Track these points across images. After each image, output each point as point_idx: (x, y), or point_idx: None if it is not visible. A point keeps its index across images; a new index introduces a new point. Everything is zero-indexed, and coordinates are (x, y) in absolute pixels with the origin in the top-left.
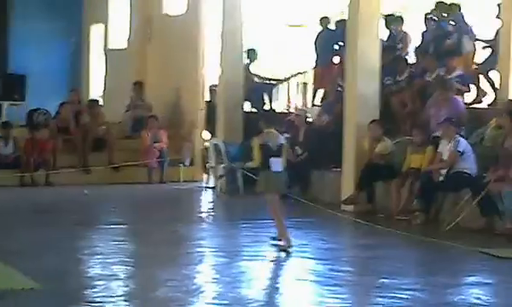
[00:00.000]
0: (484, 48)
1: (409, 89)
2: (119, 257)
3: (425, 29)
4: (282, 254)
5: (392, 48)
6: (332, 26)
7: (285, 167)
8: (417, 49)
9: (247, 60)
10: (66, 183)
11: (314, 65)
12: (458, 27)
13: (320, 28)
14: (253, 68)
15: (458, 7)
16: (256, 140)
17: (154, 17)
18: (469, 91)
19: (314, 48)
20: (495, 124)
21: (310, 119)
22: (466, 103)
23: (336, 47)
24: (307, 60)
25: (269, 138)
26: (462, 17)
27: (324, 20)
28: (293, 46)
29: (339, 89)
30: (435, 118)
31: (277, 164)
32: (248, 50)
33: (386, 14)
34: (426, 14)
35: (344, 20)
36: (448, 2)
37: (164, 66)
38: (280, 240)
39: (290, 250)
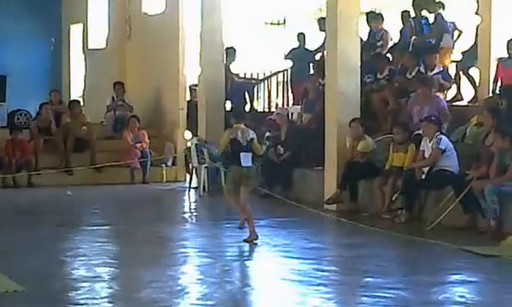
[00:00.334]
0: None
1: (389, 86)
2: (102, 259)
3: (402, 26)
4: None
5: (373, 45)
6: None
7: (255, 161)
8: (395, 47)
9: (227, 59)
10: (49, 184)
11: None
12: (438, 24)
13: (296, 44)
14: (233, 67)
15: (442, 4)
16: (227, 133)
17: (133, 16)
18: (450, 87)
19: (289, 61)
20: (476, 121)
21: (291, 118)
22: (447, 101)
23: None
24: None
25: (238, 133)
26: (442, 15)
27: (301, 36)
28: (272, 44)
29: (320, 87)
30: (417, 115)
31: (247, 158)
32: (227, 49)
33: (367, 11)
34: (402, 12)
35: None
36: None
37: (144, 65)
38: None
39: (256, 242)
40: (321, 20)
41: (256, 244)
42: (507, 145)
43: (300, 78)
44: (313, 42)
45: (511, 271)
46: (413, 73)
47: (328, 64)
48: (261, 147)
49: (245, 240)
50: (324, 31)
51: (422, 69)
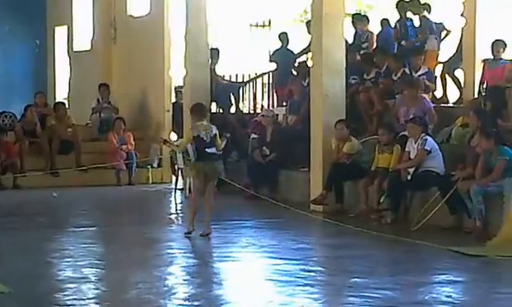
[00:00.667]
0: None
1: (375, 88)
2: (89, 260)
3: (380, 29)
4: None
5: (358, 47)
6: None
7: (220, 156)
8: (376, 50)
9: (211, 61)
10: (34, 186)
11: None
12: (423, 26)
13: (279, 44)
14: (218, 69)
15: (427, 6)
16: (189, 131)
17: (117, 18)
18: (436, 89)
19: (272, 63)
20: (461, 122)
21: (277, 119)
22: (433, 102)
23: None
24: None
25: (201, 130)
26: (427, 17)
27: (283, 36)
28: (257, 46)
29: (305, 88)
30: (404, 117)
31: (213, 154)
32: (211, 50)
33: (352, 13)
34: (382, 20)
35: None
36: (420, 1)
37: (129, 67)
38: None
39: (210, 236)
40: (309, 23)
41: (210, 238)
42: (492, 146)
43: (284, 80)
44: (298, 44)
45: (497, 271)
46: (398, 75)
47: (314, 65)
48: (221, 141)
49: (201, 235)
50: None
51: (407, 71)
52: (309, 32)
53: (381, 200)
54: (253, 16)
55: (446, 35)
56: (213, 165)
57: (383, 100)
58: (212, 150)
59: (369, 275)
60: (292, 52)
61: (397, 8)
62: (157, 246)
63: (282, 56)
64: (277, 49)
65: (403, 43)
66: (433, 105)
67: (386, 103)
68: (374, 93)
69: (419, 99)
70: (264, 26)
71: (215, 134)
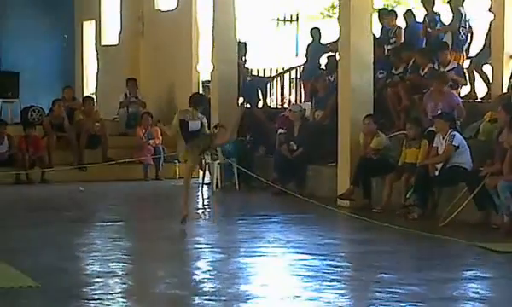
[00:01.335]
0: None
1: (403, 83)
2: (116, 254)
3: (406, 24)
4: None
5: (385, 42)
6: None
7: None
8: (402, 46)
9: (238, 55)
10: (62, 181)
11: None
12: (455, 20)
13: (309, 39)
14: (246, 64)
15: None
16: (176, 115)
17: (145, 12)
18: (466, 84)
19: (305, 59)
20: (489, 117)
21: (304, 114)
22: (461, 97)
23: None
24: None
25: (187, 115)
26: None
27: (314, 31)
28: (284, 41)
29: (332, 83)
30: (431, 112)
31: (195, 125)
32: (239, 44)
33: (380, 8)
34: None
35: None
36: None
37: (157, 61)
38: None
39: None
40: None
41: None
42: None
43: (314, 75)
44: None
45: None
46: (425, 70)
47: (341, 60)
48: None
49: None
50: None
51: (436, 66)
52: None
53: (409, 196)
54: (281, 11)
55: (471, 36)
56: (200, 138)
57: (410, 95)
58: (196, 127)
59: (395, 271)
60: (323, 44)
61: (422, 2)
62: (184, 240)
63: (313, 51)
64: (309, 44)
65: (430, 36)
66: (461, 100)
67: (414, 99)
68: (401, 88)
69: (447, 94)
70: (291, 20)
71: (201, 122)
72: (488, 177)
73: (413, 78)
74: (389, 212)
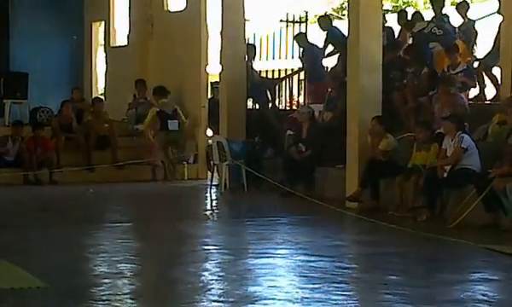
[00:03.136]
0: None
1: (409, 85)
2: (124, 255)
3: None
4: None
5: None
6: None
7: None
8: (410, 48)
9: (247, 57)
10: (70, 182)
11: (305, 79)
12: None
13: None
14: (254, 65)
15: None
16: (152, 110)
17: (154, 13)
18: (475, 86)
19: (301, 63)
20: (498, 119)
21: (313, 116)
22: (469, 99)
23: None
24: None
25: (163, 106)
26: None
27: (300, 38)
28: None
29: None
30: (439, 114)
31: (174, 124)
32: (247, 46)
33: (398, 10)
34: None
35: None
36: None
37: (166, 63)
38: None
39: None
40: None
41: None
42: None
43: (318, 74)
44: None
45: None
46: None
47: (350, 61)
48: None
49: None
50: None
51: (446, 68)
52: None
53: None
54: (290, 12)
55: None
56: (173, 133)
57: (416, 97)
58: (173, 121)
59: (403, 273)
60: (317, 47)
61: (431, 4)
62: (192, 241)
63: (311, 56)
64: (303, 52)
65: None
66: (468, 102)
67: (420, 101)
68: (407, 90)
69: (454, 97)
70: (300, 22)
71: (175, 108)
72: (497, 179)
73: (420, 80)
74: (398, 214)
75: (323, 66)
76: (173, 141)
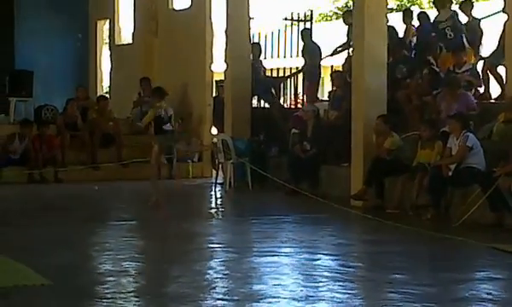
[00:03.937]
0: None
1: (413, 83)
2: (129, 253)
3: (419, 24)
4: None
5: (409, 42)
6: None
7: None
8: (418, 46)
9: (252, 55)
10: (75, 180)
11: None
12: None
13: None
14: (259, 64)
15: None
16: (152, 110)
17: (159, 12)
18: (481, 85)
19: (304, 60)
20: (503, 118)
21: (318, 114)
22: (475, 98)
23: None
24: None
25: (162, 111)
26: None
27: (305, 33)
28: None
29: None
30: (445, 112)
31: (168, 128)
32: (252, 45)
33: (404, 8)
34: (419, 14)
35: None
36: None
37: (170, 61)
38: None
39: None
40: (346, 14)
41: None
42: None
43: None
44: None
45: None
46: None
47: (355, 59)
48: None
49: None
50: (348, 24)
51: (451, 67)
52: (345, 23)
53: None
54: (294, 10)
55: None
56: (169, 141)
57: (421, 96)
58: (168, 126)
59: (408, 271)
60: (319, 47)
61: (435, 4)
62: (197, 240)
63: (312, 53)
64: (303, 47)
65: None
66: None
67: (426, 99)
68: (411, 89)
69: (460, 95)
70: (305, 20)
71: (171, 114)
72: (502, 178)
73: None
74: (402, 213)
75: (320, 67)
76: (167, 146)
